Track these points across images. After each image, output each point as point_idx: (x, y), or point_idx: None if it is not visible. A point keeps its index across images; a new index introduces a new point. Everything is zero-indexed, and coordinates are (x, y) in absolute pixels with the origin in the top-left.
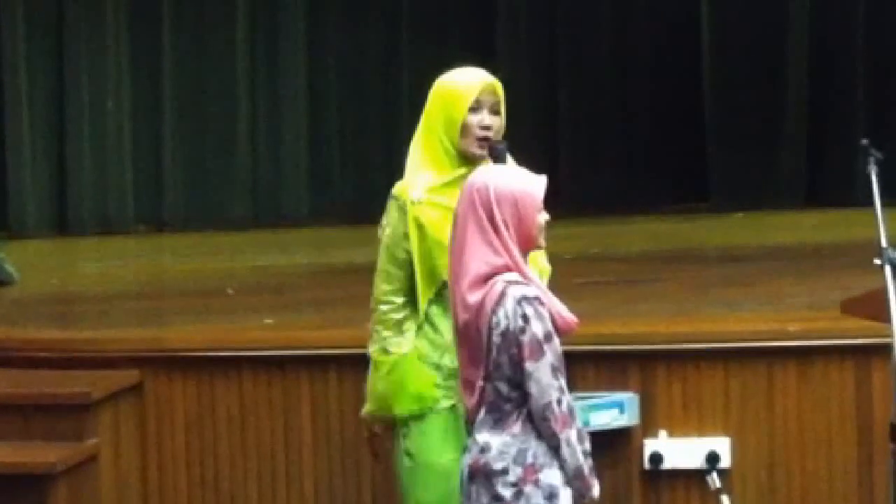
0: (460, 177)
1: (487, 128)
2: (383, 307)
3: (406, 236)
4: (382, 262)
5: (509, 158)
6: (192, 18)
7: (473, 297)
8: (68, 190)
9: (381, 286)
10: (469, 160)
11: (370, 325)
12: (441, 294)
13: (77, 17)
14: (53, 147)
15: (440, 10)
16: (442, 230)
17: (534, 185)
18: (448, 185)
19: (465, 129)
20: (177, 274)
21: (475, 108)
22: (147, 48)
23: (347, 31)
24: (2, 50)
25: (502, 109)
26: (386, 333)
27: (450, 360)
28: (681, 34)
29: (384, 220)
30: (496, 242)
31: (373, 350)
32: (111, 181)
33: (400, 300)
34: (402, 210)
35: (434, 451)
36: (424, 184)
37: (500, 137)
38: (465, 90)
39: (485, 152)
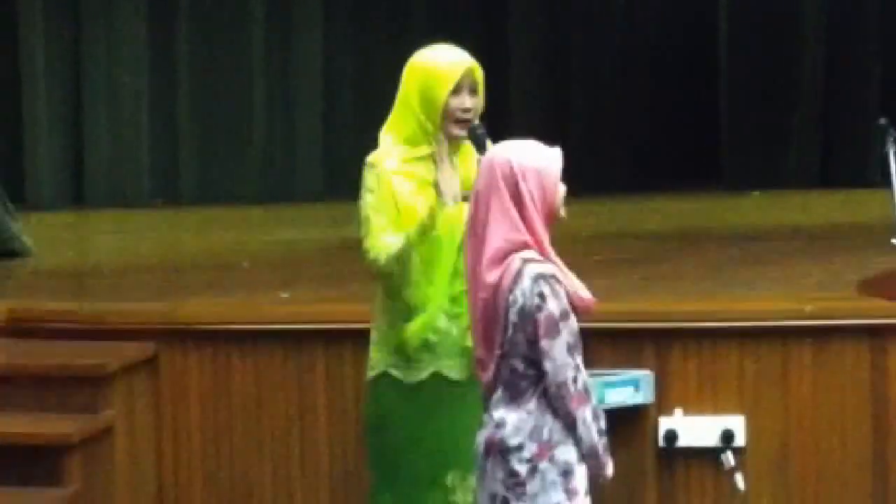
0: (434, 153)
1: (468, 110)
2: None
3: (386, 201)
4: (370, 222)
5: (488, 142)
6: None
7: (492, 276)
8: (85, 164)
9: (373, 239)
10: (447, 139)
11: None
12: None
13: None
14: (70, 121)
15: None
16: (413, 199)
17: (553, 157)
18: (422, 158)
19: (445, 112)
20: (192, 248)
21: (456, 91)
22: (164, 25)
23: (362, 10)
24: (20, 26)
25: (481, 90)
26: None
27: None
28: (698, 14)
29: (362, 189)
30: (517, 219)
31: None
32: (127, 155)
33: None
34: (379, 177)
35: (404, 427)
36: (399, 154)
37: (478, 117)
38: (446, 73)
39: (464, 133)
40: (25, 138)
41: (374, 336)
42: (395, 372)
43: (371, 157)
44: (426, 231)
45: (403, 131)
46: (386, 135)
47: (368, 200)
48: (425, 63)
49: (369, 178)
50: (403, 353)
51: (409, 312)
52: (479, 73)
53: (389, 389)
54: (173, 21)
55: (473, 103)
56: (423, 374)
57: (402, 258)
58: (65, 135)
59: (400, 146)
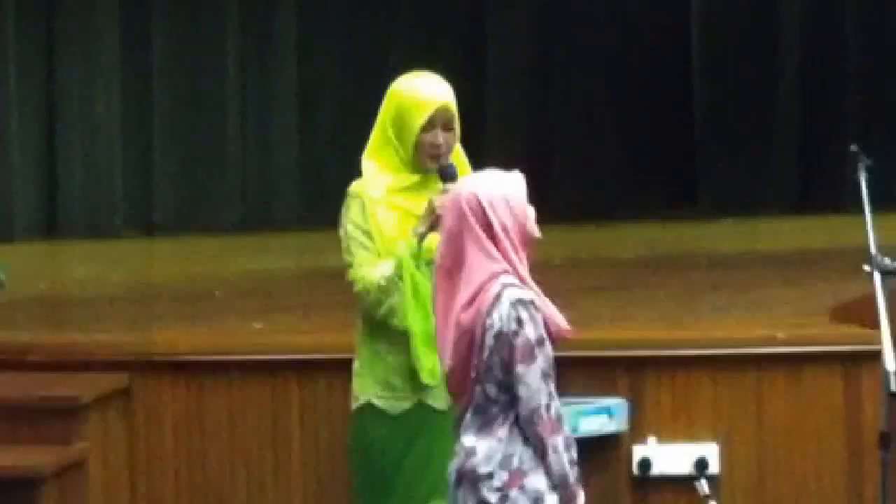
0: (417, 182)
1: (438, 146)
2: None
3: (370, 231)
4: (355, 254)
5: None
6: (181, 23)
7: (466, 315)
8: (58, 193)
9: (360, 270)
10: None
11: (362, 311)
12: None
13: (67, 21)
14: (43, 150)
15: (431, 14)
16: (399, 229)
17: (516, 182)
18: (406, 189)
19: (417, 146)
20: (166, 278)
21: (429, 126)
22: (137, 52)
23: (338, 35)
24: None
25: (456, 126)
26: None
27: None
28: (671, 40)
29: (344, 219)
30: (492, 250)
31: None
32: (101, 185)
33: None
34: (362, 207)
35: (385, 458)
36: (383, 184)
37: (451, 151)
38: (418, 108)
39: (434, 165)
40: None
41: (356, 366)
42: (379, 402)
43: (353, 187)
44: (403, 271)
45: (384, 158)
46: (368, 161)
47: (350, 231)
48: (402, 93)
49: (352, 208)
50: (387, 384)
51: (396, 341)
52: (454, 108)
53: (374, 419)
54: (147, 50)
55: (445, 139)
56: (408, 404)
57: (389, 288)
58: (38, 164)
59: (384, 174)
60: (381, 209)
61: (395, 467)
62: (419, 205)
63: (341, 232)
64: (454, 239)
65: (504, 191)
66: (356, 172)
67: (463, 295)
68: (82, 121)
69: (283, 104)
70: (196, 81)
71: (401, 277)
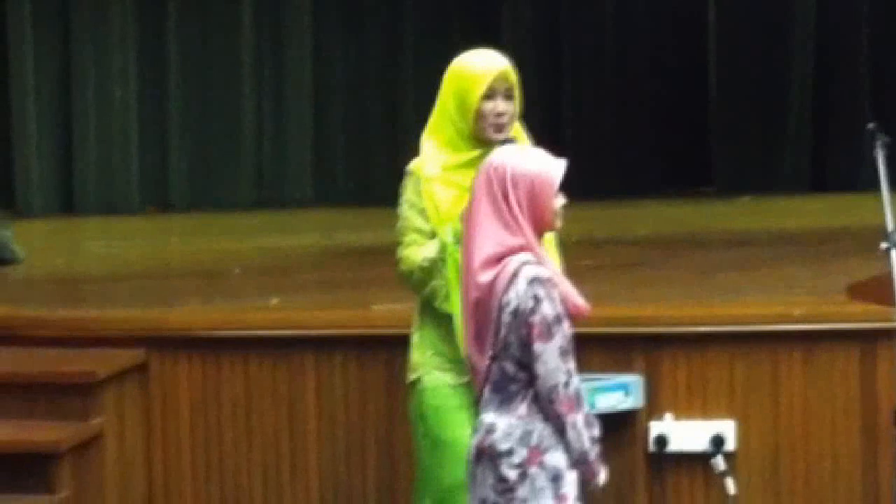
0: (476, 157)
1: (501, 114)
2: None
3: (424, 210)
4: (404, 233)
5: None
6: (198, 6)
7: (485, 276)
8: (75, 170)
9: (406, 251)
10: (485, 143)
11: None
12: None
13: (83, 6)
14: (60, 127)
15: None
16: (456, 207)
17: (552, 168)
18: (463, 165)
19: (479, 116)
20: (182, 254)
21: (489, 96)
22: (153, 32)
23: (352, 17)
24: (9, 32)
25: (516, 93)
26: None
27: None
28: (687, 19)
29: (400, 197)
30: (511, 223)
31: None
32: (117, 162)
33: None
34: (417, 185)
35: (450, 427)
36: (439, 161)
37: (515, 121)
38: (478, 77)
39: (500, 136)
40: (15, 146)
41: (415, 338)
42: (437, 374)
43: (411, 165)
44: (447, 255)
45: (443, 136)
46: (427, 139)
47: (403, 210)
48: (460, 68)
49: (408, 187)
50: (445, 356)
51: (447, 319)
52: (514, 77)
53: (432, 390)
54: (163, 30)
55: (507, 107)
56: (466, 377)
57: (432, 270)
58: (55, 142)
59: (442, 151)
60: (438, 186)
61: (457, 438)
62: None
63: (398, 210)
64: (478, 201)
65: (534, 171)
66: (368, 152)
67: (479, 256)
68: (99, 99)
69: (297, 82)
70: (212, 60)
71: (444, 261)
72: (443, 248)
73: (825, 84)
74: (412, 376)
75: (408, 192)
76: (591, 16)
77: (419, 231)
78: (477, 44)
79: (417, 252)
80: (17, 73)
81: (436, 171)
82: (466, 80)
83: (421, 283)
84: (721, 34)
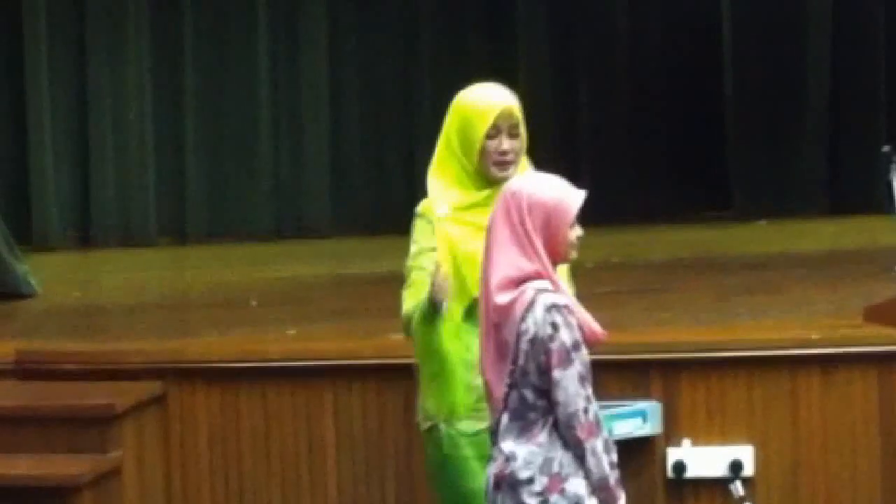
0: (486, 197)
1: (505, 153)
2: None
3: (434, 249)
4: (410, 276)
5: None
6: (213, 30)
7: (502, 299)
8: (91, 202)
9: (407, 300)
10: (491, 180)
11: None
12: (472, 311)
13: (99, 29)
14: (76, 159)
15: (460, 20)
16: (470, 245)
17: (570, 198)
18: (474, 205)
19: (482, 154)
20: (199, 285)
21: (493, 134)
22: (169, 60)
23: (368, 43)
24: (25, 61)
25: (522, 131)
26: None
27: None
28: (701, 42)
29: (411, 238)
30: (528, 248)
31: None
32: (134, 193)
33: None
34: (430, 226)
35: (471, 477)
36: (450, 201)
37: (521, 158)
38: (481, 114)
39: (504, 174)
40: (31, 178)
41: (424, 384)
42: (454, 422)
43: (421, 206)
44: (429, 315)
45: (449, 172)
46: (433, 176)
47: (413, 252)
48: (464, 104)
49: (418, 227)
50: (461, 404)
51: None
52: (519, 114)
53: (449, 439)
54: (179, 59)
55: (511, 145)
56: (482, 424)
57: (408, 326)
58: (71, 174)
59: (451, 191)
60: (452, 226)
61: (477, 489)
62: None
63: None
64: (495, 226)
65: (551, 201)
66: (386, 180)
67: (495, 280)
68: (115, 129)
69: (314, 112)
70: (228, 89)
71: (429, 316)
72: (414, 318)
73: (841, 107)
74: (426, 424)
75: (417, 233)
76: (606, 40)
77: (423, 270)
78: (494, 64)
79: (411, 300)
80: (33, 103)
81: (447, 211)
82: (470, 116)
83: (407, 331)
84: (736, 59)
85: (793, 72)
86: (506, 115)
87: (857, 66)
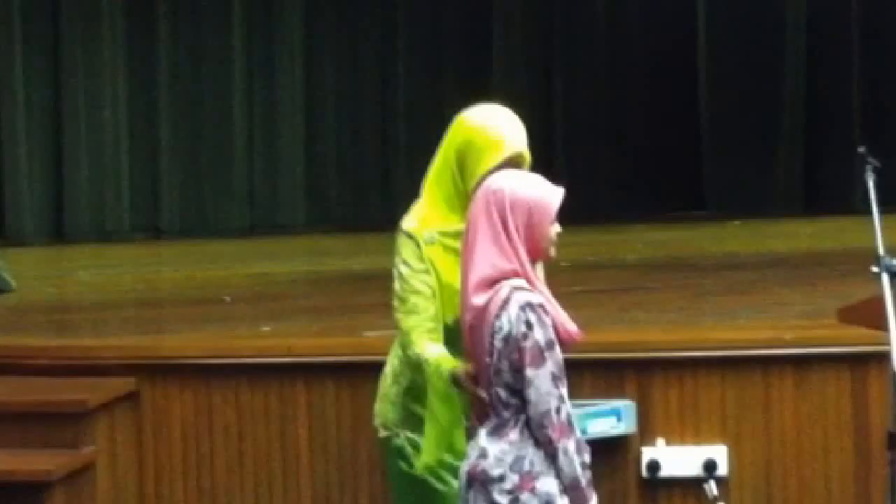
0: None
1: None
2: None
3: (426, 271)
4: (406, 299)
5: None
6: (188, 30)
7: (478, 300)
8: (65, 199)
9: (408, 320)
10: None
11: (405, 348)
12: (446, 338)
13: (73, 29)
14: (51, 156)
15: (436, 22)
16: (453, 275)
17: (550, 195)
18: (460, 233)
19: (479, 185)
20: (173, 282)
21: (497, 171)
22: (143, 59)
23: (343, 43)
24: None
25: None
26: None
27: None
28: (676, 45)
29: (397, 257)
30: (506, 246)
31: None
32: (108, 190)
33: (431, 324)
34: (418, 248)
35: (441, 479)
36: (437, 226)
37: None
38: (493, 149)
39: None
40: (5, 174)
41: (393, 392)
42: (412, 434)
43: (408, 226)
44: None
45: (442, 189)
46: (427, 191)
47: (404, 273)
48: (476, 128)
49: (405, 248)
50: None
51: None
52: (528, 158)
53: (416, 451)
54: (153, 55)
55: None
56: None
57: (420, 369)
58: (45, 170)
59: (438, 210)
60: (437, 253)
61: (450, 485)
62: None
63: (395, 270)
64: (475, 225)
65: (532, 198)
66: (360, 178)
67: (473, 279)
68: (89, 127)
69: (288, 110)
70: (203, 87)
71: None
72: (427, 372)
73: (816, 107)
74: (385, 433)
75: (405, 254)
76: (584, 41)
77: (419, 294)
78: (470, 67)
79: (423, 343)
80: (7, 101)
81: (434, 236)
82: (479, 146)
83: (417, 368)
84: (711, 59)
85: (768, 73)
86: (516, 158)
87: (832, 68)
